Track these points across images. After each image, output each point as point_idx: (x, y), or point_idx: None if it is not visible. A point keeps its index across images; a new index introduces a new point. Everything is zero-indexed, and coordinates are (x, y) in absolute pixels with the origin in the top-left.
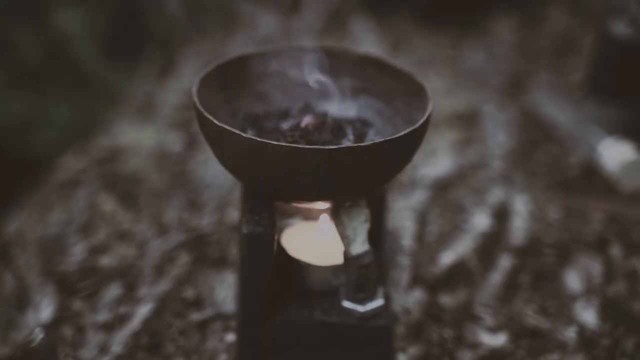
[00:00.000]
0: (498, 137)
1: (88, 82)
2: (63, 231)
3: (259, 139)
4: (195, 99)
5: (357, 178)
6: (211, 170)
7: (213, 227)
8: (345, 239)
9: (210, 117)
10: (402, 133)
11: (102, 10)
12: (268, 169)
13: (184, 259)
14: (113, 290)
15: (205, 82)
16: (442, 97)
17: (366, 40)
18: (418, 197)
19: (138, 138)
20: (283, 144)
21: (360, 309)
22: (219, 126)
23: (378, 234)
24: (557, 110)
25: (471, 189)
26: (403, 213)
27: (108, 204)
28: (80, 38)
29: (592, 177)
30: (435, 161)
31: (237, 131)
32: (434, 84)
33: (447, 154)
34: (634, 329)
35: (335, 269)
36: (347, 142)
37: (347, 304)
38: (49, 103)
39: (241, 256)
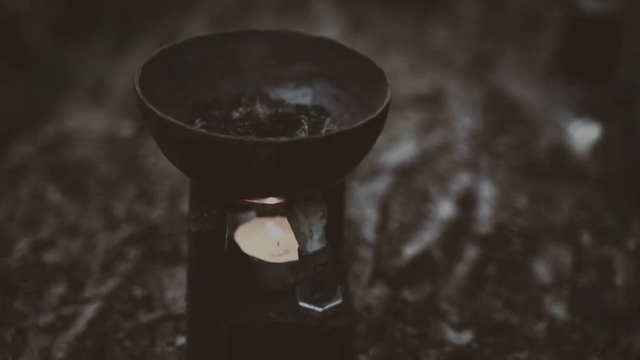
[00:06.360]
0: (463, 119)
1: (37, 64)
2: (6, 224)
3: (203, 132)
4: (138, 88)
5: (312, 172)
6: (164, 157)
7: (165, 219)
8: (301, 236)
9: (153, 108)
10: (358, 123)
11: None
12: (215, 163)
13: (133, 253)
14: (57, 289)
15: (149, 69)
16: (405, 77)
17: (327, 20)
18: (379, 185)
19: (88, 123)
20: (231, 137)
21: (318, 309)
22: (162, 117)
23: (336, 226)
24: (523, 90)
25: (435, 174)
26: (364, 201)
27: (54, 194)
28: (29, 17)
29: (560, 161)
30: (398, 146)
31: (181, 123)
32: (396, 63)
33: (410, 138)
34: (605, 322)
35: (291, 266)
36: (302, 133)
37: (304, 304)
38: None
39: (190, 255)
